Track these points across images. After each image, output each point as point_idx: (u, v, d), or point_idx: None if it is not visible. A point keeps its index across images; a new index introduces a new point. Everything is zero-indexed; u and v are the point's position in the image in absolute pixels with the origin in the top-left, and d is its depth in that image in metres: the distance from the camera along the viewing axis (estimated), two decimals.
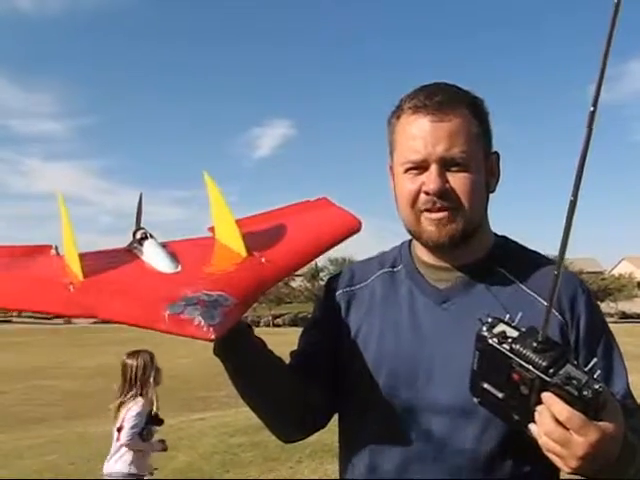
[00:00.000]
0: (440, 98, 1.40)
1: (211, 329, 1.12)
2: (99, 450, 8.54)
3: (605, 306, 61.43)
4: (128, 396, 5.06)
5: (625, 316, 61.43)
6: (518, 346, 1.11)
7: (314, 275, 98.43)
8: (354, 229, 1.68)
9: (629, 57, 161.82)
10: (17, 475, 7.47)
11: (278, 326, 58.20)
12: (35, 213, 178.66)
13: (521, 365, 1.09)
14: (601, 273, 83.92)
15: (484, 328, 1.16)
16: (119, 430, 5.00)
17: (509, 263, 1.48)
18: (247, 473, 6.04)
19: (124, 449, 5.02)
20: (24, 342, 50.51)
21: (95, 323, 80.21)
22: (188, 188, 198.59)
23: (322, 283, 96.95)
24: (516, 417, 1.16)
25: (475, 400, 1.24)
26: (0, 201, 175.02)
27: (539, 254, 1.54)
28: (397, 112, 1.48)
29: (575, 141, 0.98)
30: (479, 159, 1.33)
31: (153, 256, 1.45)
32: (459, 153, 1.36)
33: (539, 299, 1.39)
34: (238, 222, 1.47)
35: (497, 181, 1.50)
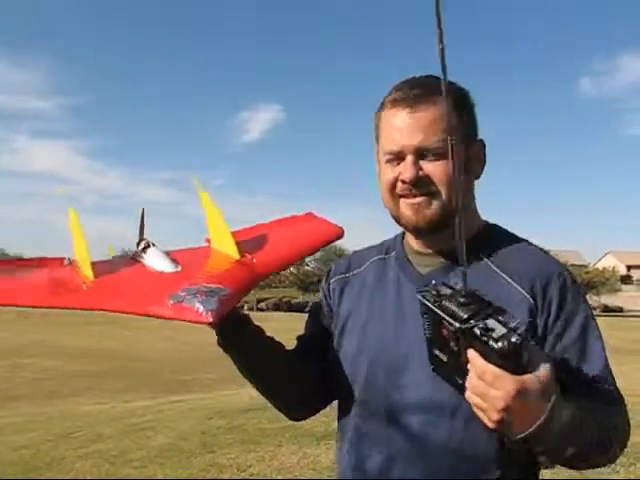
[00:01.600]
0: (417, 91, 1.47)
1: (209, 314, 1.27)
2: (79, 428, 8.59)
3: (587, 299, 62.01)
4: None
5: (607, 309, 62.03)
6: (445, 302, 1.16)
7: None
8: (336, 236, 1.83)
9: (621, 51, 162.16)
10: None
11: (262, 310, 58.22)
12: (21, 190, 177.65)
13: (446, 319, 1.14)
14: (585, 266, 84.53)
15: (424, 292, 1.22)
16: None
17: (491, 249, 1.51)
18: (227, 454, 6.09)
19: None
20: (6, 320, 50.31)
21: None
22: (175, 169, 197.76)
23: (307, 268, 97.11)
24: (459, 380, 1.18)
25: (431, 368, 1.28)
26: None
27: (526, 242, 1.57)
28: (381, 105, 1.55)
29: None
30: (458, 148, 1.25)
31: (155, 259, 1.62)
32: (434, 143, 1.43)
33: (514, 284, 1.43)
34: (232, 233, 1.61)
35: (482, 168, 1.56)
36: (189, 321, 1.30)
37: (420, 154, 1.45)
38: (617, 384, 1.39)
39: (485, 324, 1.08)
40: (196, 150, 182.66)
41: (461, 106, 1.49)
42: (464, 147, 1.46)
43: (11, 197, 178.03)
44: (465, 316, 1.11)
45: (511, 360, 1.07)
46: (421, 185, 1.45)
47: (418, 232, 1.53)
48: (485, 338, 1.07)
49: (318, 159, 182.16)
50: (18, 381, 20.73)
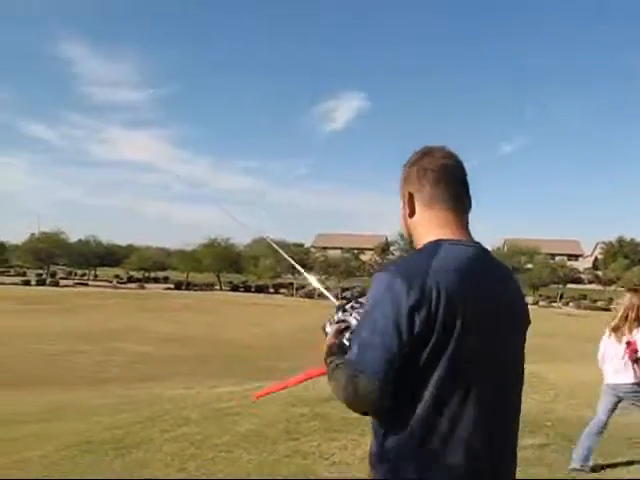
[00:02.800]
0: None
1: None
2: (167, 411, 8.83)
3: None
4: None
5: None
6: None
7: (384, 249, 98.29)
8: None
9: None
10: (90, 430, 7.77)
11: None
12: (113, 179, 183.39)
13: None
14: None
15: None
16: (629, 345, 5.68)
17: None
18: (310, 442, 6.13)
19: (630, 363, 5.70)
20: (98, 305, 52.20)
21: (167, 289, 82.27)
22: (260, 158, 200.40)
23: (391, 257, 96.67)
24: None
25: None
26: (80, 168, 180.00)
27: (413, 256, 1.85)
28: None
29: None
30: (402, 202, 2.03)
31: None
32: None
33: None
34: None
35: (410, 211, 1.97)
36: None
37: None
38: (355, 357, 1.70)
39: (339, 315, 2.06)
40: (281, 139, 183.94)
41: (402, 172, 2.08)
42: (402, 201, 2.04)
43: (102, 186, 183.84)
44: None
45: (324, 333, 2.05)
46: None
47: None
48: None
49: (404, 148, 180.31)
50: (110, 365, 21.50)
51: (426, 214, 1.92)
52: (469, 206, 1.97)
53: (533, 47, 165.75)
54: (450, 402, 1.67)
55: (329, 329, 2.00)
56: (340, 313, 2.03)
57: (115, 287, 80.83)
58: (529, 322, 1.95)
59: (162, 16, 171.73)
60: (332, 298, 2.35)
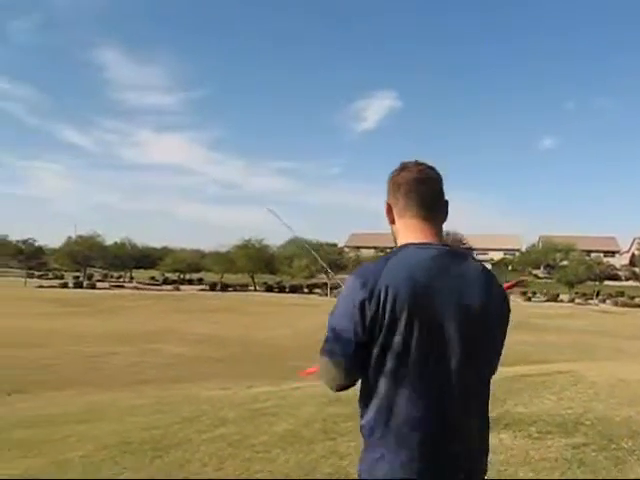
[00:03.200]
0: None
1: None
2: (204, 412, 8.89)
3: None
4: None
5: None
6: None
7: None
8: None
9: None
10: (128, 431, 7.86)
11: None
12: (147, 183, 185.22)
13: None
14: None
15: None
16: None
17: None
18: (348, 442, 6.12)
19: None
20: (134, 307, 52.79)
21: (202, 290, 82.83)
22: (293, 159, 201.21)
23: None
24: None
25: None
26: (114, 172, 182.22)
27: (378, 259, 2.06)
28: None
29: None
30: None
31: None
32: None
33: None
34: None
35: (390, 220, 2.25)
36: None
37: None
38: (324, 345, 2.01)
39: None
40: (312, 139, 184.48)
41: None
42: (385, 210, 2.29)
43: (137, 189, 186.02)
44: None
45: None
46: None
47: None
48: None
49: (435, 147, 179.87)
50: (146, 366, 21.72)
51: (401, 222, 2.19)
52: (440, 213, 2.21)
53: (573, 43, 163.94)
54: (404, 386, 1.93)
55: None
56: None
57: (150, 289, 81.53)
58: (500, 317, 2.13)
59: (193, 19, 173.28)
60: None
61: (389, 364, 1.93)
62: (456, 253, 2.09)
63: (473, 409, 2.04)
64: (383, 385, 1.95)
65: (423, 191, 2.16)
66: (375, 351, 1.94)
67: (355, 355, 1.95)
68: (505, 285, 2.32)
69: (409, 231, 2.15)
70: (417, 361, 1.92)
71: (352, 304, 1.95)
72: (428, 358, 1.94)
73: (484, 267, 2.11)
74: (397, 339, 1.91)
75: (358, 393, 2.04)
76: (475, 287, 2.04)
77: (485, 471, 2.09)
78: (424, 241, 2.09)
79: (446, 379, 1.96)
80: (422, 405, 1.93)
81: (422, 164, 2.23)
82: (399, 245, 2.12)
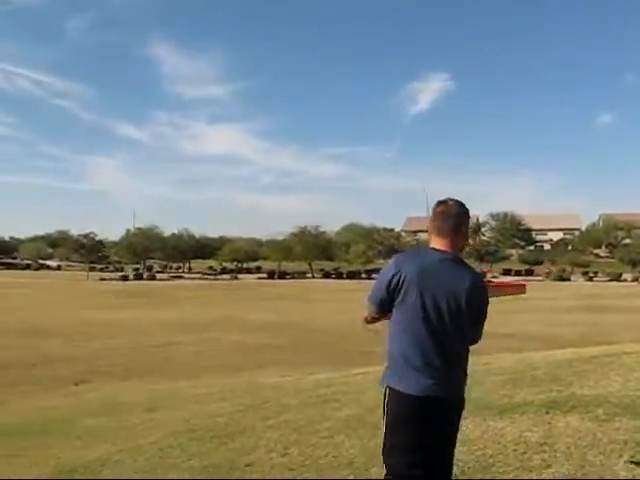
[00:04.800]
0: None
1: None
2: (266, 399, 8.97)
3: None
4: None
5: None
6: None
7: (475, 230, 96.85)
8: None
9: None
10: (193, 418, 7.98)
11: None
12: (202, 174, 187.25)
13: None
14: None
15: None
16: None
17: None
18: None
19: None
20: (194, 296, 53.52)
21: (260, 279, 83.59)
22: (346, 144, 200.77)
23: (484, 238, 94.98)
24: None
25: None
26: (170, 164, 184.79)
27: (411, 250, 3.74)
28: None
29: None
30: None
31: None
32: None
33: None
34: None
35: (429, 233, 3.48)
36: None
37: None
38: (369, 293, 3.46)
39: None
40: (365, 124, 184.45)
41: None
42: None
43: (193, 180, 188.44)
44: None
45: None
46: None
47: None
48: None
49: (491, 127, 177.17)
50: (208, 355, 21.99)
51: (432, 236, 3.43)
52: (457, 236, 3.38)
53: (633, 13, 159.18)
54: (402, 329, 3.25)
55: None
56: None
57: (209, 279, 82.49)
58: (469, 301, 3.23)
59: (241, 10, 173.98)
60: None
61: (397, 315, 3.28)
62: (457, 259, 3.33)
63: (440, 352, 3.19)
64: (393, 327, 3.31)
65: (444, 220, 3.37)
66: (394, 306, 3.29)
67: (381, 303, 3.35)
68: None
69: (434, 242, 3.39)
70: (412, 316, 3.21)
71: (386, 276, 3.30)
72: (419, 315, 3.19)
73: (472, 271, 3.37)
74: (404, 301, 3.23)
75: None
76: (461, 281, 3.24)
77: (452, 390, 3.25)
78: (440, 248, 3.34)
79: (426, 330, 3.19)
80: (408, 340, 3.22)
81: (452, 202, 3.42)
82: (425, 248, 3.46)
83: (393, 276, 3.23)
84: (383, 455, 3.31)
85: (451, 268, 3.26)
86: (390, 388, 3.26)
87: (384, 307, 3.32)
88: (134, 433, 7.52)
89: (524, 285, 4.74)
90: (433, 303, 3.18)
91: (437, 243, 3.34)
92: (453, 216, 3.37)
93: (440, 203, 3.42)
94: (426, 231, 3.53)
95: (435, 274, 3.22)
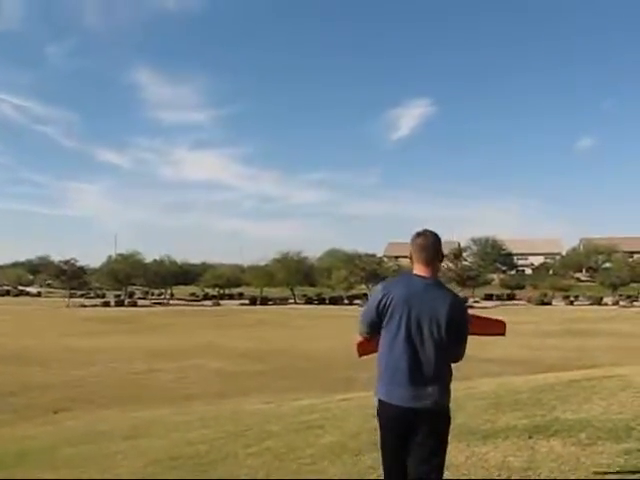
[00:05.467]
0: None
1: None
2: (249, 426, 8.88)
3: None
4: None
5: None
6: None
7: (457, 255, 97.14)
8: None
9: None
10: (174, 446, 7.89)
11: None
12: (184, 199, 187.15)
13: None
14: None
15: None
16: None
17: None
18: None
19: None
20: (175, 323, 53.17)
21: (242, 305, 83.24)
22: (327, 170, 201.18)
23: (466, 263, 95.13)
24: None
25: None
26: (151, 190, 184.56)
27: (396, 277, 3.99)
28: None
29: None
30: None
31: None
32: None
33: None
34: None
35: (411, 261, 3.79)
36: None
37: None
38: (359, 317, 3.79)
39: None
40: (346, 150, 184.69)
41: None
42: None
43: (174, 206, 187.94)
44: None
45: None
46: None
47: None
48: None
49: (473, 152, 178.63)
50: (190, 381, 21.85)
51: (413, 263, 3.74)
52: (435, 262, 3.70)
53: (610, 41, 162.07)
54: (391, 348, 3.53)
55: None
56: None
57: (191, 305, 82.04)
58: (449, 319, 3.50)
59: (223, 37, 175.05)
60: None
61: (385, 334, 3.59)
62: (439, 283, 3.68)
63: (427, 366, 3.49)
64: (381, 346, 3.61)
65: (425, 255, 3.68)
66: (382, 327, 3.59)
67: (371, 324, 3.65)
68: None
69: (416, 269, 3.71)
70: (397, 335, 3.51)
71: (375, 300, 3.61)
72: (403, 334, 3.50)
73: (452, 293, 3.69)
74: (391, 323, 3.53)
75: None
76: (442, 303, 3.54)
77: (435, 402, 3.48)
78: (421, 274, 3.66)
79: (412, 348, 3.49)
80: (394, 357, 3.51)
81: (428, 233, 3.75)
82: (409, 274, 3.74)
83: (382, 299, 3.55)
84: (381, 457, 3.68)
85: (433, 291, 3.57)
86: (380, 400, 3.58)
87: (374, 328, 3.63)
88: (114, 462, 7.41)
89: (503, 324, 4.71)
90: (417, 323, 3.49)
91: (419, 270, 3.67)
92: (430, 246, 3.72)
93: (419, 235, 3.77)
94: (407, 257, 3.84)
95: (419, 297, 3.52)
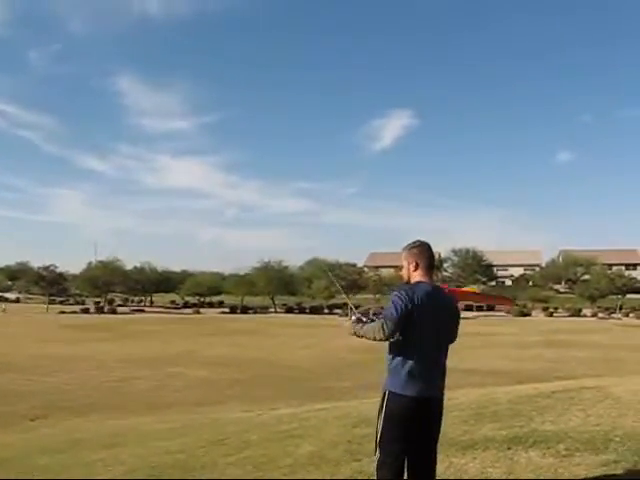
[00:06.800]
0: None
1: None
2: (228, 435, 8.84)
3: None
4: None
5: None
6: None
7: (437, 266, 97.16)
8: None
9: None
10: (153, 455, 7.83)
11: None
12: (166, 207, 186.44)
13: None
14: None
15: None
16: None
17: None
18: (373, 463, 6.07)
19: None
20: (155, 331, 52.87)
21: (222, 313, 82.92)
22: (310, 180, 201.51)
23: (446, 274, 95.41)
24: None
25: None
26: (133, 197, 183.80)
27: (408, 285, 4.13)
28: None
29: None
30: (406, 264, 4.24)
31: None
32: None
33: None
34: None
35: (413, 269, 4.18)
36: None
37: None
38: (386, 312, 3.94)
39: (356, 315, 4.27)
40: (329, 160, 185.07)
41: None
42: None
43: (156, 214, 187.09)
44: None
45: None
46: None
47: None
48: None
49: (454, 163, 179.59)
50: (170, 389, 21.71)
51: (417, 272, 4.13)
52: (432, 268, 4.17)
53: (589, 57, 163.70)
54: (411, 344, 3.92)
55: (353, 318, 4.25)
56: (356, 316, 4.27)
57: (171, 313, 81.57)
58: (455, 320, 4.19)
59: (207, 45, 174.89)
60: (355, 311, 4.41)
61: (408, 333, 3.89)
62: (439, 288, 4.20)
63: (438, 360, 4.07)
64: (402, 343, 3.93)
65: (425, 263, 4.13)
66: (406, 326, 3.86)
67: (398, 322, 3.84)
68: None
69: (419, 277, 4.10)
70: (419, 334, 3.91)
71: (403, 302, 3.87)
72: (423, 333, 3.92)
73: (450, 295, 4.33)
74: (414, 322, 3.87)
75: (388, 347, 4.04)
76: (448, 303, 4.17)
77: (441, 392, 4.12)
78: (427, 282, 4.08)
79: (429, 344, 3.97)
80: (415, 353, 3.93)
81: (424, 244, 4.21)
82: (415, 281, 4.09)
83: (408, 303, 3.88)
84: (379, 446, 4.04)
85: (439, 295, 4.12)
86: (391, 392, 3.97)
87: (399, 327, 3.88)
88: (92, 471, 7.34)
89: (510, 300, 5.66)
90: (437, 325, 4.00)
91: (422, 277, 4.11)
92: (427, 256, 4.18)
93: (422, 244, 4.23)
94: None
95: (431, 301, 3.98)
